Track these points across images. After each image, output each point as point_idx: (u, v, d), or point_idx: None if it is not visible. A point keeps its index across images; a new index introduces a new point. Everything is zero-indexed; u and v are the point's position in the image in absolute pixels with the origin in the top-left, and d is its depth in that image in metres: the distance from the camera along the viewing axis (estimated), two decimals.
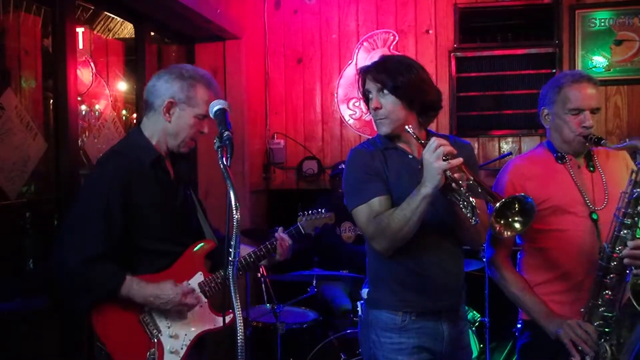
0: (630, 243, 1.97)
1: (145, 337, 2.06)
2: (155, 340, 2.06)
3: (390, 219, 1.93)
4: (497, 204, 1.75)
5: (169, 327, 2.09)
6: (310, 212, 2.49)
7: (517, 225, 1.81)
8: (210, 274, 2.18)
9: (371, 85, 2.07)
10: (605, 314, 2.02)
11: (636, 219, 2.00)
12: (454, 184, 1.83)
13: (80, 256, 1.94)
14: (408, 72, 2.02)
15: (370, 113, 2.13)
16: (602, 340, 2.02)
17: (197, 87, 2.10)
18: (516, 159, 2.40)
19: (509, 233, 1.82)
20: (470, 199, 1.79)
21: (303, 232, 2.42)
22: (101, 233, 1.97)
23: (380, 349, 2.07)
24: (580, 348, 2.02)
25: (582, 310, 2.07)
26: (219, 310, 2.17)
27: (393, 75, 2.01)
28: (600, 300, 2.03)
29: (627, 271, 1.99)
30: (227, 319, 2.13)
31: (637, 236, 2.01)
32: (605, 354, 2.00)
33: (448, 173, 1.81)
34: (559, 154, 2.23)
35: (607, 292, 2.02)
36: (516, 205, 1.80)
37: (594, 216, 2.14)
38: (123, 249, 2.03)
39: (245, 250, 2.31)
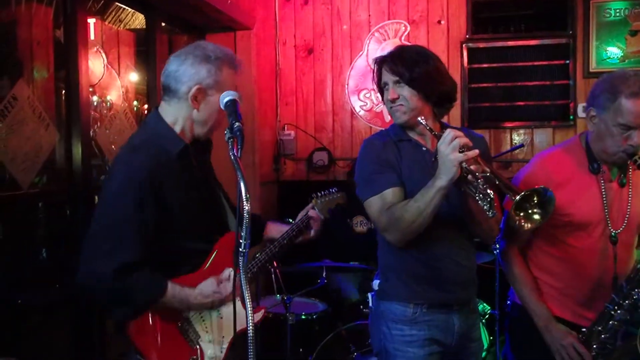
0: None
1: (186, 344, 1.91)
2: (198, 347, 1.93)
3: (404, 210, 1.92)
4: (517, 197, 1.72)
5: (207, 332, 1.96)
6: (322, 193, 2.45)
7: (536, 217, 1.79)
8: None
9: (388, 77, 2.05)
10: (606, 340, 2.03)
11: None
12: (470, 176, 1.80)
13: (116, 265, 1.75)
14: (425, 63, 2.01)
15: (384, 103, 2.12)
16: None
17: (224, 69, 1.91)
18: (547, 159, 2.22)
19: (529, 225, 1.79)
20: (488, 191, 1.77)
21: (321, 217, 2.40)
22: (136, 237, 1.79)
23: (390, 341, 2.07)
24: None
25: (584, 330, 2.08)
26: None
27: (410, 66, 1.99)
28: (603, 328, 2.04)
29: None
30: (259, 315, 2.08)
31: None
32: None
33: (464, 165, 1.79)
34: (595, 165, 2.10)
35: (613, 322, 2.02)
36: (535, 198, 1.78)
37: (614, 238, 2.08)
38: (156, 251, 1.85)
39: (279, 230, 2.25)
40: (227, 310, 1.98)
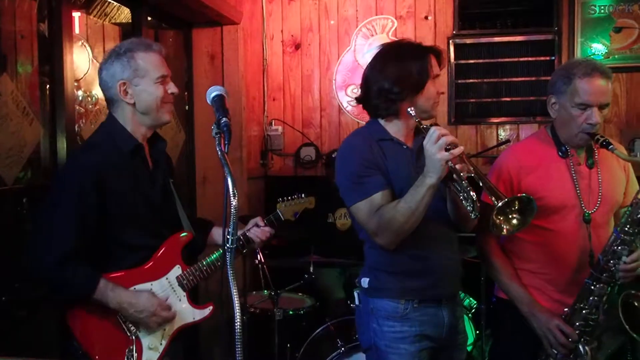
0: (626, 258, 1.98)
1: (123, 334, 1.98)
2: (134, 337, 1.98)
3: (395, 212, 1.90)
4: (500, 203, 1.73)
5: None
6: (289, 197, 2.49)
7: (514, 222, 1.80)
8: (188, 266, 2.13)
9: (438, 68, 2.07)
10: (589, 316, 2.06)
11: (634, 238, 1.99)
12: (455, 175, 1.81)
13: (53, 256, 1.85)
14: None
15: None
16: (582, 339, 2.06)
17: (136, 56, 2.01)
18: (517, 148, 2.35)
19: (507, 229, 1.81)
20: (471, 193, 1.77)
21: (282, 218, 2.42)
22: (74, 229, 1.88)
23: (381, 337, 2.07)
24: (556, 352, 2.08)
25: (566, 310, 2.10)
26: (197, 303, 2.15)
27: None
28: (585, 304, 2.06)
29: (618, 282, 2.02)
30: (207, 311, 2.14)
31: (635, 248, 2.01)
32: (585, 356, 2.04)
33: (450, 164, 1.80)
34: (563, 149, 2.17)
35: (593, 297, 2.04)
36: (517, 204, 1.79)
37: (587, 218, 2.11)
38: (100, 243, 1.95)
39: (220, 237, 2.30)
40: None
